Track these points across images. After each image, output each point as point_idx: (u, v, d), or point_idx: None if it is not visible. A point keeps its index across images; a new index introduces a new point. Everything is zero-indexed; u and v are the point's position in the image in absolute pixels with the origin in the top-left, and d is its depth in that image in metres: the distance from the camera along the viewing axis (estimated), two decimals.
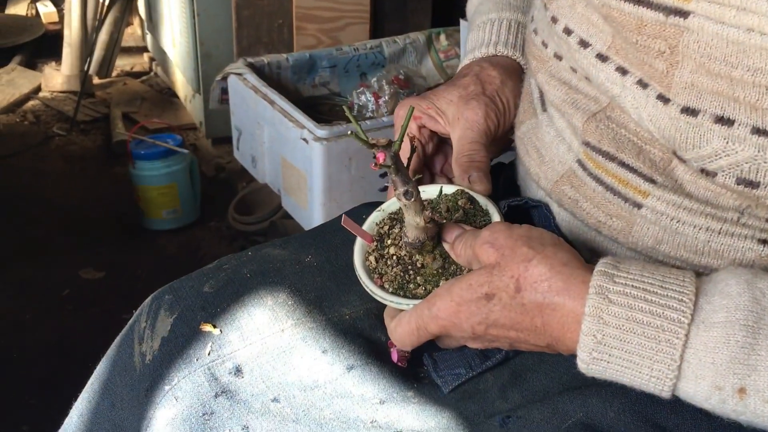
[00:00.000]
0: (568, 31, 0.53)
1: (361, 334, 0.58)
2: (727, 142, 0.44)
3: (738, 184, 0.45)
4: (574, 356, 0.46)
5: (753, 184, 0.44)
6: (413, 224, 0.52)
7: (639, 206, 0.51)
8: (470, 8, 0.75)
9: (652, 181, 0.50)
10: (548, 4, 0.56)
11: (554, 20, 0.55)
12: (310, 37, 1.86)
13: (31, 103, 2.50)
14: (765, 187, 0.44)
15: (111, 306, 1.56)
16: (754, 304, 0.42)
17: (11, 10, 2.92)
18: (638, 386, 0.44)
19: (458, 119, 0.62)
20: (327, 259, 0.62)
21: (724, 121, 0.44)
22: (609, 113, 0.51)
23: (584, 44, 0.52)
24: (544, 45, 0.57)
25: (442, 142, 0.66)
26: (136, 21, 3.04)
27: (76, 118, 2.33)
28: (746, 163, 0.44)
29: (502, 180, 0.69)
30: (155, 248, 1.79)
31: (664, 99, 0.46)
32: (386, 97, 1.57)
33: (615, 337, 0.43)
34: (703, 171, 0.46)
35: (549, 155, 0.57)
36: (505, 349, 0.54)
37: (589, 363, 0.45)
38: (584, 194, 0.54)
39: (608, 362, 0.44)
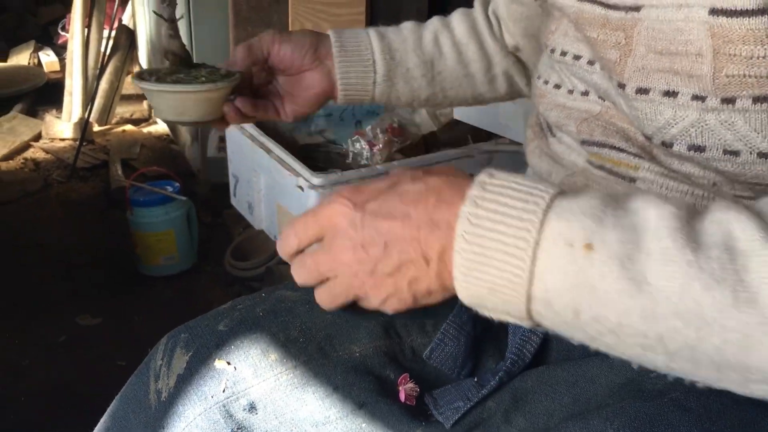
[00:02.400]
0: (563, 53, 0.62)
1: (371, 372, 0.59)
2: (675, 111, 0.51)
3: (689, 150, 0.51)
4: (572, 379, 0.48)
5: (700, 148, 0.51)
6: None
7: (633, 180, 0.57)
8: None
9: (640, 157, 0.57)
10: (547, 41, 0.65)
11: (553, 50, 0.63)
12: None
13: (31, 150, 2.53)
14: (710, 150, 0.50)
15: (107, 352, 1.57)
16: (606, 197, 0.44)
17: (14, 58, 2.98)
18: (501, 285, 0.43)
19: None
20: None
21: (670, 93, 0.51)
22: (598, 118, 0.59)
23: (577, 57, 0.61)
24: (546, 83, 0.65)
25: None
26: (136, 69, 3.10)
27: (75, 165, 2.36)
28: (692, 127, 0.51)
29: None
30: (152, 294, 1.81)
31: (621, 85, 0.54)
32: (380, 145, 1.60)
33: (481, 236, 0.43)
34: (663, 144, 0.53)
35: (560, 161, 0.64)
36: (499, 374, 0.55)
37: (462, 262, 0.44)
38: (593, 180, 0.60)
39: (475, 258, 0.43)
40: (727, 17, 0.47)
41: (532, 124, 0.72)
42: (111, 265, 1.91)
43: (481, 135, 1.64)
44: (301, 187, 1.36)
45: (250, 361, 0.58)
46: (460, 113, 1.63)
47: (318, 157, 1.67)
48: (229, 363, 0.58)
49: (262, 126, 1.59)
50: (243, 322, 0.61)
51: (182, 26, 2.04)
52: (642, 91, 0.53)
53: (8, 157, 2.43)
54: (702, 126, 0.50)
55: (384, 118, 1.69)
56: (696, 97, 0.50)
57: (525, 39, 0.80)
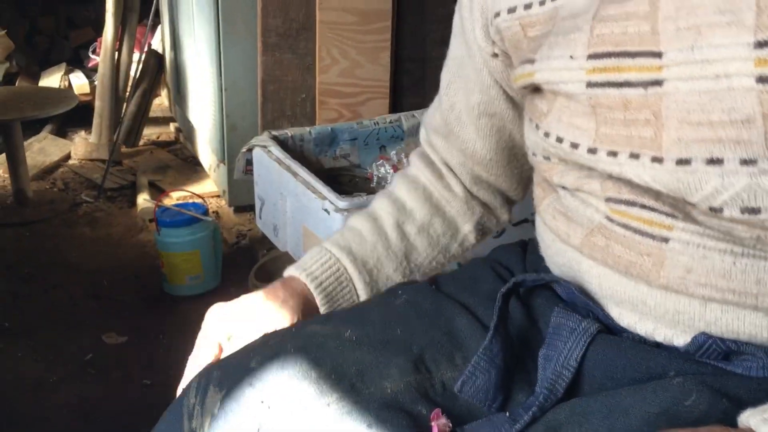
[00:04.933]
0: (559, 139, 0.59)
1: (403, 408, 0.59)
2: (723, 179, 0.49)
3: (743, 213, 0.49)
4: (605, 410, 0.49)
5: (755, 211, 0.48)
6: None
7: (666, 240, 0.54)
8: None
9: (673, 216, 0.54)
10: (539, 122, 0.62)
11: (547, 135, 0.61)
12: (332, 111, 1.94)
13: (60, 170, 2.58)
14: (765, 211, 0.48)
15: (133, 371, 1.59)
16: None
17: (45, 80, 3.05)
18: None
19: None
20: (365, 333, 0.64)
21: (714, 161, 0.49)
22: (619, 176, 0.56)
23: (575, 146, 0.57)
24: (547, 159, 0.63)
25: None
26: (163, 92, 3.16)
27: (103, 186, 2.41)
28: (744, 192, 0.48)
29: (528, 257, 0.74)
30: (177, 313, 1.83)
31: (658, 159, 0.51)
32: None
33: None
34: (711, 209, 0.50)
35: (576, 217, 0.61)
36: (533, 408, 0.55)
37: None
38: (615, 239, 0.57)
39: None
40: None
41: (539, 180, 0.69)
42: (137, 284, 1.94)
43: None
44: (327, 210, 1.38)
45: (283, 400, 0.58)
46: None
47: (343, 180, 1.69)
48: (262, 402, 0.58)
49: (288, 149, 1.62)
50: (274, 358, 0.61)
51: (212, 51, 2.09)
52: (683, 162, 0.51)
53: (38, 177, 2.48)
54: (755, 189, 0.48)
55: (408, 143, 1.71)
56: (745, 162, 0.48)
57: (498, 155, 0.78)
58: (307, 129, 1.71)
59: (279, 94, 1.98)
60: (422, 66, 2.03)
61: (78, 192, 2.42)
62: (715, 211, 0.50)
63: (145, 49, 2.80)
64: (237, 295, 0.71)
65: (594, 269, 0.59)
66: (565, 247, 0.62)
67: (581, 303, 0.61)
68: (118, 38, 2.74)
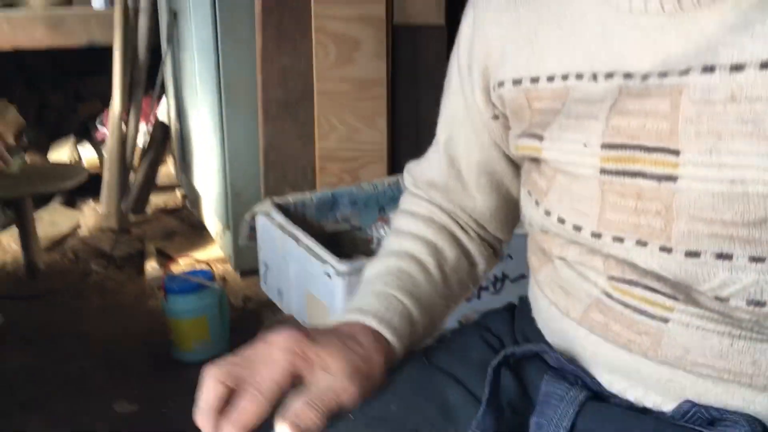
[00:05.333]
0: (561, 220, 0.60)
1: None
2: (731, 273, 0.51)
3: (748, 305, 0.51)
4: None
5: (760, 304, 0.50)
6: None
7: (666, 321, 0.55)
8: (364, 277, 0.75)
9: (675, 298, 0.54)
10: (539, 199, 0.63)
11: (548, 213, 0.62)
12: (332, 175, 2.00)
13: (71, 241, 2.65)
14: None
15: None
16: None
17: (54, 153, 3.15)
18: None
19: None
20: (360, 409, 0.61)
21: (724, 256, 0.51)
22: (624, 258, 0.57)
23: (577, 228, 0.59)
24: (544, 231, 0.65)
25: None
26: (169, 161, 3.25)
27: (113, 255, 2.46)
28: (751, 287, 0.50)
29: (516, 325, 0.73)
30: (186, 379, 1.86)
31: (667, 249, 0.53)
32: None
33: None
34: (717, 298, 0.52)
35: (573, 291, 0.62)
36: None
37: None
38: (613, 318, 0.58)
39: None
40: None
41: (534, 250, 0.69)
42: (146, 352, 1.97)
43: None
44: (328, 274, 1.42)
45: None
46: None
47: (344, 243, 1.74)
48: None
49: (290, 215, 1.67)
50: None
51: (215, 122, 2.17)
52: (692, 254, 0.52)
53: (49, 248, 2.54)
54: (763, 285, 0.50)
55: None
56: (755, 259, 0.50)
57: (497, 211, 0.77)
58: (308, 195, 1.77)
59: (280, 161, 2.05)
60: (416, 128, 2.10)
61: (88, 262, 2.48)
62: (721, 300, 0.52)
63: (152, 120, 2.90)
64: None
65: (591, 341, 0.60)
66: (563, 317, 0.63)
67: (570, 370, 0.61)
68: (126, 110, 2.83)
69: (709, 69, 0.49)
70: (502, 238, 0.81)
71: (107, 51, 2.78)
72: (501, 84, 0.65)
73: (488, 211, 0.77)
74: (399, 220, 0.79)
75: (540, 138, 0.60)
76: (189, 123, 2.71)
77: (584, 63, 0.57)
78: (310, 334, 0.59)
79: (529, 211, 0.66)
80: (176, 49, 2.68)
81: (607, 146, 0.54)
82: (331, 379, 0.58)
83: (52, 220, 2.73)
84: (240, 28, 2.03)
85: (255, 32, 1.99)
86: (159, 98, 2.77)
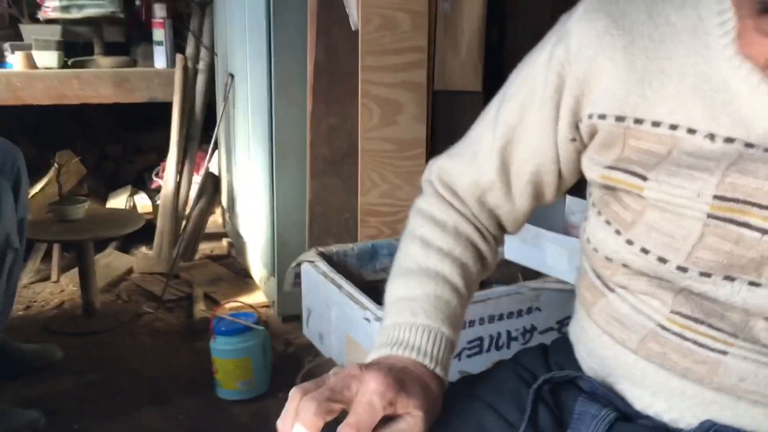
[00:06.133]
0: (645, 251, 0.64)
1: None
2: None
3: None
4: None
5: None
6: None
7: (725, 353, 0.61)
8: (398, 292, 0.79)
9: (735, 335, 0.60)
10: (622, 231, 0.66)
11: (630, 243, 0.65)
12: (372, 228, 2.13)
13: (124, 283, 2.81)
14: None
15: None
16: None
17: (112, 201, 3.34)
18: None
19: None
20: None
21: None
22: (697, 293, 0.62)
23: (663, 260, 0.63)
24: (609, 259, 0.69)
25: None
26: (218, 210, 3.42)
27: (163, 298, 2.61)
28: None
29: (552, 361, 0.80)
30: (229, 416, 1.96)
31: (755, 284, 0.59)
32: None
33: None
34: None
35: (629, 323, 0.67)
36: None
37: None
38: (671, 348, 0.63)
39: None
40: None
41: (587, 285, 0.74)
42: (192, 389, 2.09)
43: (530, 273, 1.80)
44: (367, 319, 1.53)
45: None
46: (510, 253, 1.80)
47: (382, 290, 1.84)
48: None
49: (333, 264, 1.80)
50: None
51: (266, 176, 2.33)
52: None
53: (105, 290, 2.70)
54: None
55: None
56: None
57: (529, 214, 0.83)
58: (350, 245, 1.90)
59: (325, 214, 2.19)
60: None
61: (140, 303, 2.63)
62: None
63: (203, 171, 3.08)
64: (285, 400, 0.63)
65: (645, 366, 0.65)
66: (616, 345, 0.69)
67: (602, 394, 0.68)
68: (181, 163, 3.02)
69: None
70: (512, 234, 0.86)
71: (164, 106, 2.99)
72: (602, 116, 0.67)
73: (522, 215, 0.82)
74: (424, 227, 0.81)
75: (643, 178, 0.64)
76: (239, 176, 2.88)
77: (701, 121, 0.61)
78: (396, 379, 0.63)
79: (602, 237, 0.69)
80: (230, 107, 2.87)
81: (719, 198, 0.59)
82: (413, 425, 0.62)
83: (108, 264, 2.89)
84: (292, 90, 2.20)
85: (306, 95, 2.15)
86: (212, 152, 2.95)
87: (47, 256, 2.91)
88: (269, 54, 2.19)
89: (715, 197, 0.60)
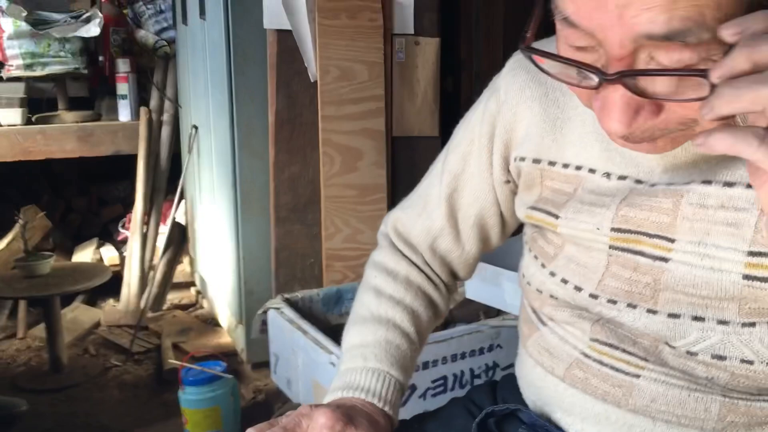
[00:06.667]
0: (565, 281, 0.72)
1: None
2: (702, 332, 0.63)
3: (712, 359, 0.63)
4: None
5: (722, 358, 0.62)
6: None
7: (637, 376, 0.66)
8: (352, 339, 0.84)
9: (645, 359, 0.66)
10: (546, 264, 0.74)
11: (553, 274, 0.73)
12: (337, 273, 2.17)
13: (92, 337, 2.79)
14: (730, 360, 0.62)
15: None
16: None
17: (78, 254, 3.33)
18: None
19: None
20: None
21: (698, 318, 0.63)
22: (608, 320, 0.68)
23: (578, 289, 0.70)
24: (539, 291, 0.76)
25: None
26: (186, 259, 3.43)
27: (131, 350, 2.61)
28: (717, 344, 0.62)
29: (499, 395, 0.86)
30: None
31: (653, 311, 0.65)
32: None
33: None
34: (687, 352, 0.64)
35: (557, 352, 0.73)
36: None
37: None
38: (592, 373, 0.69)
39: None
40: (760, 282, 0.59)
41: (524, 319, 0.81)
42: None
43: (492, 311, 1.85)
44: (333, 364, 1.57)
45: None
46: (471, 293, 1.86)
47: None
48: None
49: (299, 309, 1.83)
50: None
51: (231, 225, 2.36)
52: (673, 316, 0.64)
53: (72, 344, 2.69)
54: (725, 343, 0.62)
55: None
56: (721, 322, 0.61)
57: (478, 257, 0.89)
58: (315, 291, 1.93)
59: (290, 260, 2.23)
60: None
61: (108, 357, 2.62)
62: (691, 354, 0.64)
63: (170, 221, 3.10)
64: None
65: (572, 394, 0.71)
66: (548, 375, 0.75)
67: (540, 424, 0.74)
68: (147, 213, 3.04)
69: (707, 182, 0.61)
70: (463, 280, 0.93)
71: (130, 158, 3.02)
72: (522, 159, 0.76)
73: (472, 259, 0.89)
74: (377, 277, 0.87)
75: (555, 216, 0.72)
76: (205, 225, 2.91)
77: (599, 161, 0.69)
78: (345, 414, 0.69)
79: (532, 271, 0.77)
80: (195, 158, 2.91)
81: (616, 230, 0.66)
82: None
83: (75, 318, 2.88)
84: (255, 140, 2.25)
85: (268, 144, 2.21)
86: (178, 202, 2.98)
87: (13, 313, 2.89)
88: (231, 106, 2.24)
89: (612, 229, 0.67)
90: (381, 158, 2.18)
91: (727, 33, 0.45)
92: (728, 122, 0.48)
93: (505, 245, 0.92)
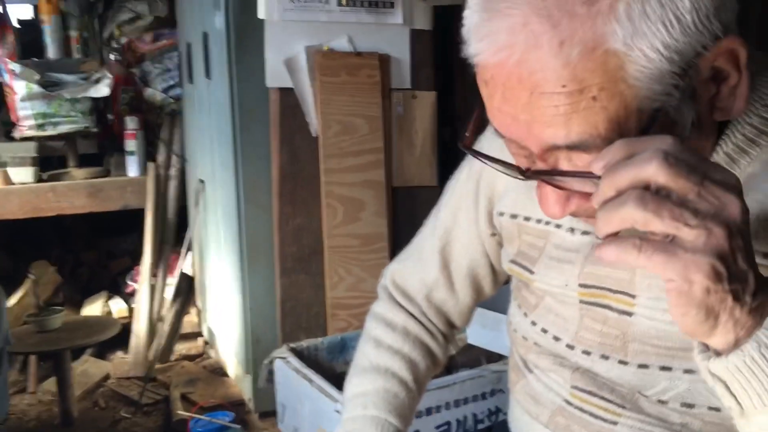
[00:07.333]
0: (545, 330, 0.76)
1: None
2: (671, 381, 0.66)
3: (681, 407, 0.67)
4: None
5: (690, 406, 0.67)
6: None
7: (615, 423, 0.70)
8: (353, 389, 0.89)
9: (623, 407, 0.69)
10: (528, 313, 0.78)
11: (534, 323, 0.78)
12: (341, 321, 2.22)
13: (101, 389, 2.83)
14: (698, 407, 0.66)
15: None
16: None
17: (87, 308, 3.38)
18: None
19: None
20: None
21: (665, 368, 0.66)
22: (586, 369, 0.72)
23: (557, 338, 0.74)
24: (525, 339, 0.80)
25: None
26: (193, 310, 3.48)
27: (140, 402, 2.64)
28: (685, 392, 0.67)
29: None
30: None
31: (624, 362, 0.68)
32: None
33: None
34: (658, 401, 0.68)
35: (542, 399, 0.76)
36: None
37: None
38: (573, 420, 0.72)
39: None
40: None
41: (512, 365, 0.85)
42: None
43: (493, 356, 1.89)
44: (338, 411, 1.60)
45: None
46: (473, 338, 1.90)
47: None
48: None
49: (304, 358, 1.87)
50: None
51: (237, 277, 2.42)
52: (643, 366, 0.67)
53: (82, 397, 2.72)
54: (693, 391, 0.65)
55: None
56: (688, 371, 0.64)
57: (472, 307, 0.95)
58: (320, 339, 1.98)
59: (296, 310, 2.27)
60: None
61: (117, 409, 2.65)
62: (662, 402, 0.67)
63: (177, 273, 3.16)
64: None
65: None
66: (534, 421, 0.79)
67: None
68: (155, 266, 3.10)
69: None
70: (459, 328, 0.98)
71: (137, 212, 3.09)
72: (501, 214, 0.82)
73: (466, 308, 0.94)
74: (377, 328, 0.93)
75: (530, 272, 0.76)
76: (212, 276, 2.96)
77: (565, 217, 0.69)
78: None
79: (518, 319, 0.81)
80: (202, 211, 2.98)
81: (583, 285, 0.71)
82: None
83: (85, 371, 2.92)
84: (259, 194, 2.32)
85: (272, 198, 2.28)
86: (185, 254, 3.04)
87: (23, 367, 2.93)
88: (236, 160, 2.32)
89: (580, 285, 0.71)
90: (382, 208, 2.24)
91: (596, 167, 0.50)
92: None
93: (503, 292, 0.97)
